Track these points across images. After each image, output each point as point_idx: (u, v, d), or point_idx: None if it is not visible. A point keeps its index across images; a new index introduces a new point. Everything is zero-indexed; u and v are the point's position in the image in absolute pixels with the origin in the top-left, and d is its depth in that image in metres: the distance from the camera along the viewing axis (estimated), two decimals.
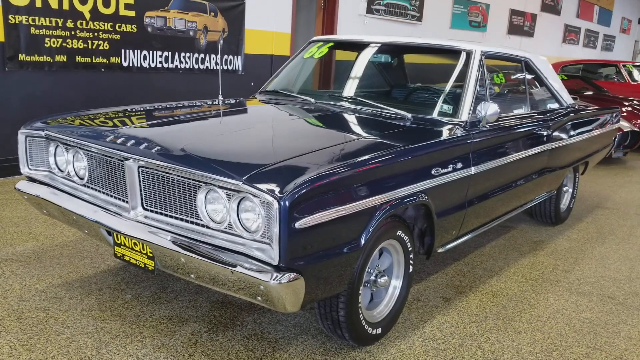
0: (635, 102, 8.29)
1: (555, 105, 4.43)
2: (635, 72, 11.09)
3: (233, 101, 3.78)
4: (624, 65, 11.16)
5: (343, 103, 3.54)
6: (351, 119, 3.29)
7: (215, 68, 6.75)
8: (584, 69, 11.58)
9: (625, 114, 7.73)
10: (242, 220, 2.17)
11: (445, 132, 3.04)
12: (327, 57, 5.48)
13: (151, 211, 2.46)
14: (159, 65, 6.22)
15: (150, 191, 2.43)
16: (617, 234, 4.76)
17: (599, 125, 5.02)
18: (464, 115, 3.20)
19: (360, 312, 2.52)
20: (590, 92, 8.95)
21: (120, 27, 5.76)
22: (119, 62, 5.84)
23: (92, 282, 3.17)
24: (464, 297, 3.30)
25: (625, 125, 7.58)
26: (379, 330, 2.68)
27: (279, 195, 2.00)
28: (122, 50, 5.84)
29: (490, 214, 3.52)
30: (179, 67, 6.42)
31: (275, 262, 2.06)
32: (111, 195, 2.62)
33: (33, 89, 5.31)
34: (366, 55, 3.95)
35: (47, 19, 5.21)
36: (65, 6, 5.31)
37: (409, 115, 3.20)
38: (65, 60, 5.41)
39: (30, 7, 5.09)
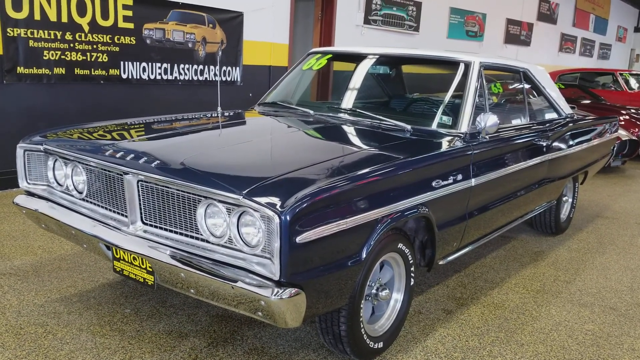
0: (632, 110, 8.31)
1: (554, 115, 4.44)
2: (632, 81, 11.14)
3: (232, 113, 3.78)
4: (621, 74, 11.21)
5: (342, 115, 3.54)
6: (350, 130, 3.28)
7: (214, 79, 6.76)
8: (581, 77, 11.62)
9: (623, 123, 7.75)
10: (242, 235, 2.15)
11: (445, 144, 3.03)
12: (325, 68, 5.49)
13: (151, 225, 2.44)
14: (158, 77, 6.22)
15: (150, 205, 2.42)
16: (617, 244, 4.74)
17: (597, 134, 5.03)
18: (464, 126, 3.20)
19: (361, 326, 2.50)
20: (588, 101, 8.98)
21: (119, 39, 5.77)
22: (118, 74, 5.84)
23: (90, 297, 3.15)
24: (466, 309, 3.28)
25: (623, 134, 7.59)
26: (380, 344, 2.65)
27: (279, 209, 1.98)
28: (121, 62, 5.84)
29: (490, 225, 3.51)
30: (178, 78, 6.42)
31: (276, 277, 2.04)
32: (110, 210, 2.61)
33: (31, 101, 5.30)
34: (364, 66, 3.96)
35: (46, 31, 5.21)
36: (64, 19, 5.31)
37: (409, 126, 3.20)
38: (64, 72, 5.41)
39: (29, 20, 5.09)
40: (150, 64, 6.11)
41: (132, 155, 2.47)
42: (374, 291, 2.63)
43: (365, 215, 2.30)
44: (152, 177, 2.33)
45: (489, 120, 3.15)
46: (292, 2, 7.75)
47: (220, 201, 2.16)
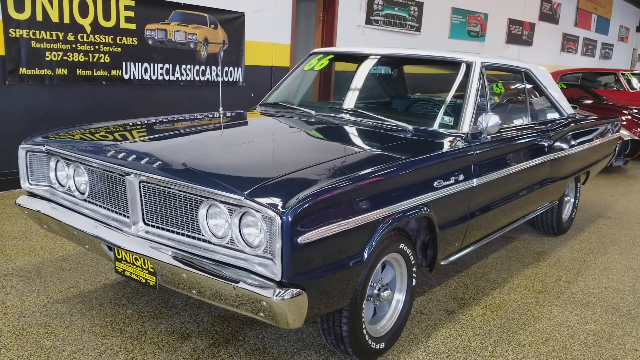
0: (634, 110, 8.29)
1: (556, 116, 4.43)
2: (634, 81, 11.12)
3: (234, 114, 3.78)
4: (623, 74, 11.19)
5: (344, 115, 3.54)
6: (352, 131, 3.28)
7: (215, 80, 6.77)
8: (583, 77, 11.60)
9: (625, 123, 7.74)
10: (244, 235, 2.15)
11: (447, 144, 3.03)
12: (326, 69, 5.49)
13: (152, 226, 2.45)
14: (160, 78, 6.23)
15: (152, 206, 2.42)
16: (619, 244, 4.74)
17: (599, 134, 5.02)
18: (465, 127, 3.20)
19: (363, 326, 2.50)
20: (590, 101, 8.97)
21: (121, 40, 5.78)
22: (120, 74, 5.85)
23: (92, 297, 3.15)
24: (468, 309, 3.28)
25: (625, 134, 7.58)
26: (382, 345, 2.65)
27: (281, 210, 1.98)
28: (123, 63, 5.85)
29: (492, 226, 3.51)
30: (179, 79, 6.43)
31: (278, 278, 2.04)
32: (112, 210, 2.61)
33: (34, 102, 5.31)
34: (366, 66, 3.96)
35: (48, 32, 5.22)
36: (66, 19, 5.32)
37: (410, 127, 3.20)
38: (66, 73, 5.41)
39: (31, 21, 5.10)
40: (152, 64, 6.12)
41: (134, 156, 2.47)
42: (375, 291, 2.63)
43: (366, 215, 2.30)
44: (154, 177, 2.34)
45: (491, 120, 3.15)
46: (294, 2, 7.76)
47: (221, 202, 2.16)
